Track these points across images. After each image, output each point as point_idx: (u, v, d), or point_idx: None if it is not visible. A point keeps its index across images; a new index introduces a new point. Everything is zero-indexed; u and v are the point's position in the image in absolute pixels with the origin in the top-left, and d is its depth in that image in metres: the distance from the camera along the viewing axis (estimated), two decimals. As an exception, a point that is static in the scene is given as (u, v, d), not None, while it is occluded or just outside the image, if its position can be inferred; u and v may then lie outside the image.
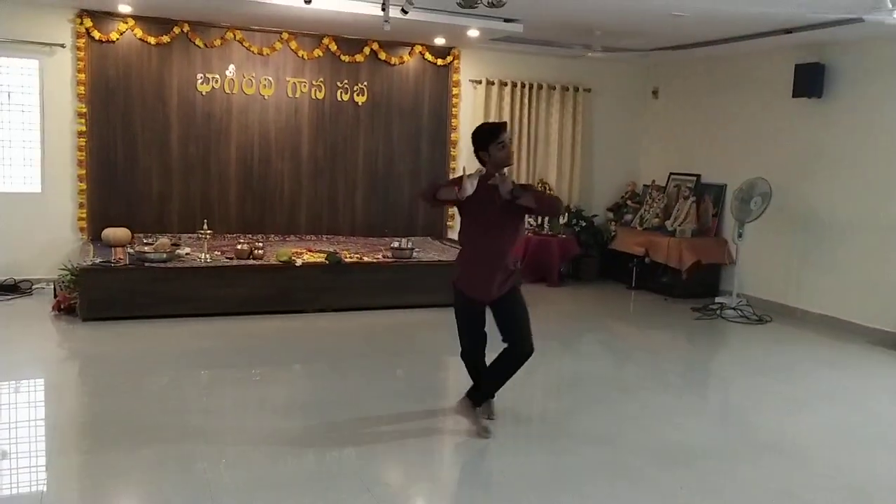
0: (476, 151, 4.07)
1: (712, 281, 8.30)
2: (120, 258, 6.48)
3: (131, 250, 6.60)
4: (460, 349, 4.21)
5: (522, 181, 9.00)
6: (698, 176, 8.79)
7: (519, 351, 4.03)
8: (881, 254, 6.74)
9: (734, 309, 7.40)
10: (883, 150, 6.73)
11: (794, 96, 7.38)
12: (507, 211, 3.88)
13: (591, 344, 6.75)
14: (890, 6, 4.97)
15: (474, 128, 4.18)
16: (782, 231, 7.64)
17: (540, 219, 8.76)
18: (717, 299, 7.70)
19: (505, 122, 4.12)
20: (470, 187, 3.75)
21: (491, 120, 8.74)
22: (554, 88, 9.07)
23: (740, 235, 7.56)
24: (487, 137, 4.00)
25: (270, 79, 7.94)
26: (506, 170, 3.96)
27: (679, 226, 8.38)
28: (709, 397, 5.37)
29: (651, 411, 4.72)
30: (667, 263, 8.13)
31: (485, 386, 4.19)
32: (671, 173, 9.17)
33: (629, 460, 3.92)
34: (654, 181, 9.31)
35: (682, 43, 8.08)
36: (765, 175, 7.47)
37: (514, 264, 4.07)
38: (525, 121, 8.96)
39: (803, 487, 3.68)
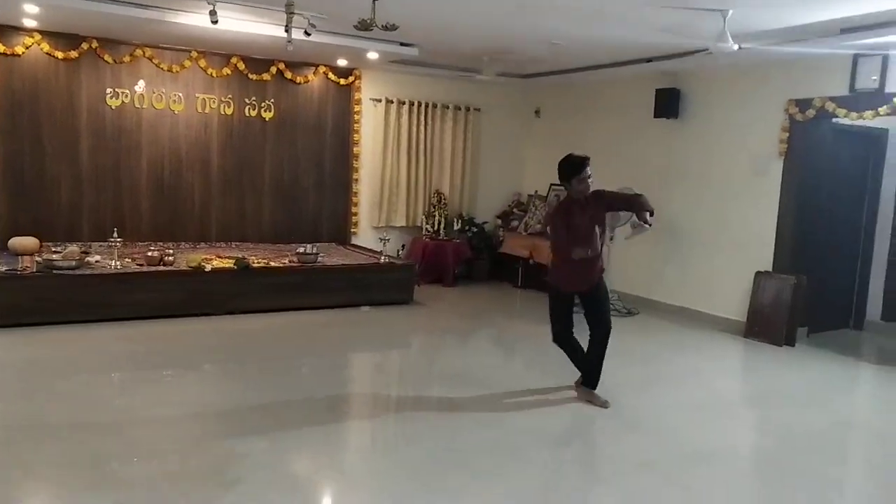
0: (560, 180, 4.52)
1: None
2: (27, 266, 6.10)
3: (39, 259, 6.22)
4: (552, 335, 4.76)
5: (419, 192, 9.08)
6: (575, 186, 9.08)
7: (605, 329, 4.64)
8: (724, 253, 7.17)
9: (607, 304, 7.69)
10: (727, 164, 7.18)
11: (655, 117, 7.76)
12: (592, 223, 4.47)
13: (482, 339, 6.87)
14: (730, 39, 5.31)
15: (562, 158, 4.54)
16: (647, 234, 8.00)
17: (436, 225, 8.87)
18: (593, 295, 7.98)
19: (588, 158, 4.45)
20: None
21: (391, 135, 8.79)
22: (447, 107, 9.19)
23: (611, 238, 7.87)
24: (570, 171, 4.43)
25: (180, 95, 7.68)
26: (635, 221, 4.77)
27: (559, 231, 8.63)
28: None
29: (530, 397, 4.86)
30: (548, 265, 8.35)
31: (594, 372, 4.72)
32: (552, 184, 9.43)
33: (515, 440, 4.02)
34: (536, 191, 9.57)
35: (560, 69, 8.36)
36: (632, 185, 7.81)
37: (601, 262, 4.66)
38: (421, 137, 9.03)
39: (659, 458, 3.89)
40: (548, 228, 4.87)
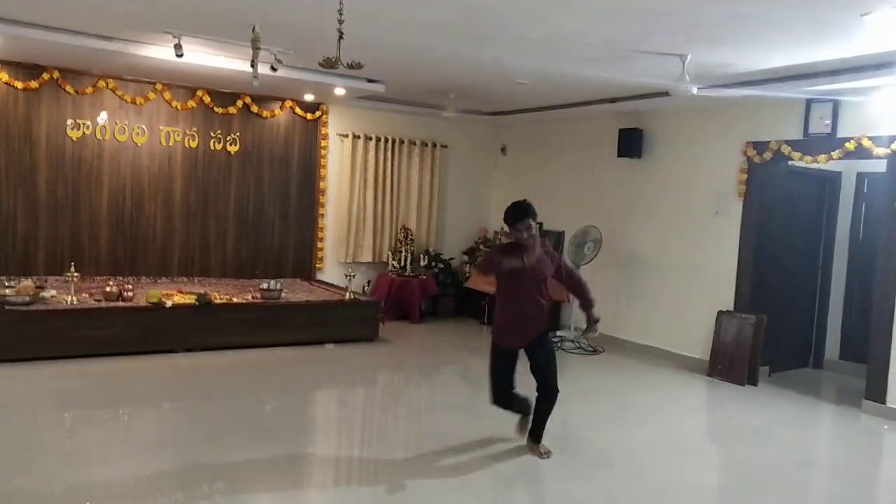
0: (506, 223, 4.28)
1: (554, 317, 8.65)
2: (-22, 301, 5.92)
3: (-9, 293, 6.04)
4: (491, 396, 4.44)
5: (386, 227, 9.08)
6: (541, 224, 9.13)
7: (550, 394, 4.39)
8: (687, 292, 7.29)
9: (572, 341, 7.74)
10: (689, 204, 7.33)
11: (618, 156, 7.91)
12: (536, 274, 4.20)
13: (449, 374, 6.83)
14: (689, 83, 5.47)
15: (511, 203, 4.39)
16: (611, 272, 8.10)
17: (402, 261, 8.87)
18: (558, 333, 8.03)
19: (532, 214, 4.27)
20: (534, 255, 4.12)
21: (357, 171, 8.80)
22: (414, 143, 9.26)
23: (569, 300, 7.93)
24: (514, 216, 4.25)
25: (144, 127, 7.62)
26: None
27: (525, 267, 8.68)
28: (549, 420, 5.55)
29: (496, 436, 4.82)
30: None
31: (538, 429, 4.44)
32: (518, 221, 9.52)
33: (477, 481, 3.98)
34: (503, 227, 9.56)
35: (526, 107, 8.51)
36: (596, 223, 7.93)
37: (543, 318, 4.35)
38: (388, 172, 9.07)
39: (624, 498, 3.88)
40: (485, 269, 4.41)
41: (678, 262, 7.41)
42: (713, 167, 7.11)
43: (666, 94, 6.47)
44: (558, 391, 4.37)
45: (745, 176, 6.76)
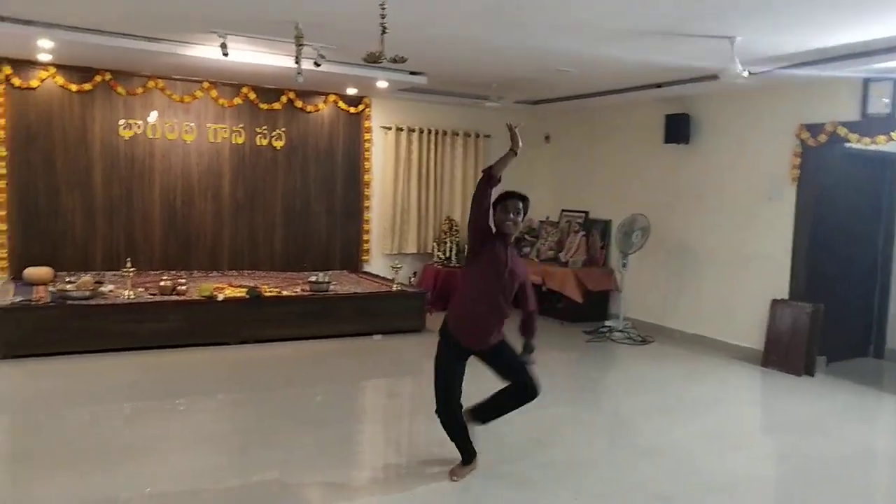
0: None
1: (602, 306, 8.57)
2: (41, 296, 6.15)
3: (53, 289, 6.28)
4: (438, 403, 3.76)
5: (430, 219, 9.10)
6: (587, 212, 9.10)
7: (531, 388, 3.81)
8: (739, 280, 7.12)
9: (621, 331, 7.65)
10: (740, 189, 7.16)
11: (665, 142, 7.76)
12: (512, 272, 3.70)
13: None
14: (739, 66, 5.33)
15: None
16: (660, 261, 7.98)
17: (447, 252, 8.89)
18: (606, 323, 7.95)
19: (522, 197, 3.82)
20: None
21: (401, 163, 8.84)
22: (457, 134, 9.24)
23: (624, 265, 7.85)
24: (496, 202, 3.74)
25: (192, 125, 7.78)
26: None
27: (571, 257, 8.63)
28: (598, 412, 5.51)
29: (546, 425, 4.81)
30: (561, 291, 8.34)
31: (467, 447, 3.85)
32: (563, 210, 9.46)
33: (525, 471, 3.98)
34: (548, 217, 9.58)
35: (569, 94, 8.41)
36: (644, 211, 7.81)
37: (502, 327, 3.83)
38: (431, 164, 9.08)
39: (675, 488, 3.83)
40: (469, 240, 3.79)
41: (729, 249, 7.24)
42: (764, 152, 6.92)
43: (714, 77, 6.31)
44: (539, 391, 3.81)
45: (799, 160, 6.56)
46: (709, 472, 4.11)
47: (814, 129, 6.42)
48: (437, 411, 3.78)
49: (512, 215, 3.69)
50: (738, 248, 7.14)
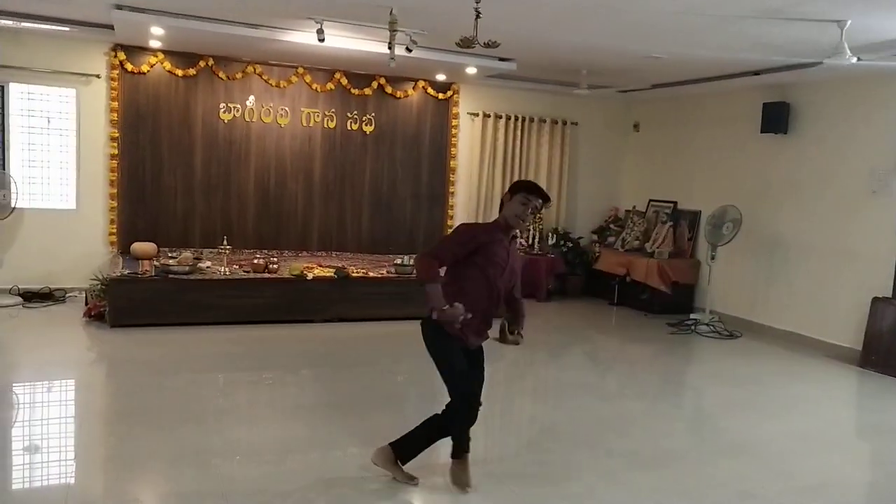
0: (506, 193, 3.46)
1: (687, 299, 8.33)
2: (146, 270, 6.52)
3: (157, 263, 6.64)
4: (462, 394, 3.44)
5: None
6: (675, 203, 8.85)
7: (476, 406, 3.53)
8: (837, 276, 6.78)
9: (707, 325, 7.43)
10: (841, 181, 6.80)
11: (762, 132, 7.45)
12: (513, 272, 3.47)
13: (576, 355, 6.77)
14: (848, 51, 5.04)
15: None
16: (750, 254, 7.69)
17: (530, 239, 8.84)
18: (692, 316, 7.73)
19: (546, 199, 3.40)
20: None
21: (487, 149, 8.84)
22: (544, 121, 9.15)
23: (713, 257, 7.60)
24: (519, 189, 3.38)
25: (286, 109, 8.02)
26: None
27: (657, 248, 8.43)
28: (681, 405, 5.38)
29: (628, 417, 4.75)
30: (646, 282, 8.16)
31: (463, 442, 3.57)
32: (650, 200, 9.23)
33: (607, 462, 3.94)
34: (634, 207, 9.37)
35: (660, 82, 8.17)
36: (735, 203, 7.53)
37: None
38: (517, 150, 9.04)
39: (763, 488, 3.70)
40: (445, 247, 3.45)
41: (826, 243, 6.89)
42: (869, 142, 6.53)
43: (817, 64, 6.00)
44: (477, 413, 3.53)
45: (909, 151, 6.17)
46: (797, 472, 3.95)
47: (927, 118, 6.01)
48: (457, 404, 3.43)
49: (529, 212, 3.35)
50: (837, 243, 6.79)
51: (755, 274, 7.65)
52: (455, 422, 3.49)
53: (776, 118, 7.27)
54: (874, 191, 6.48)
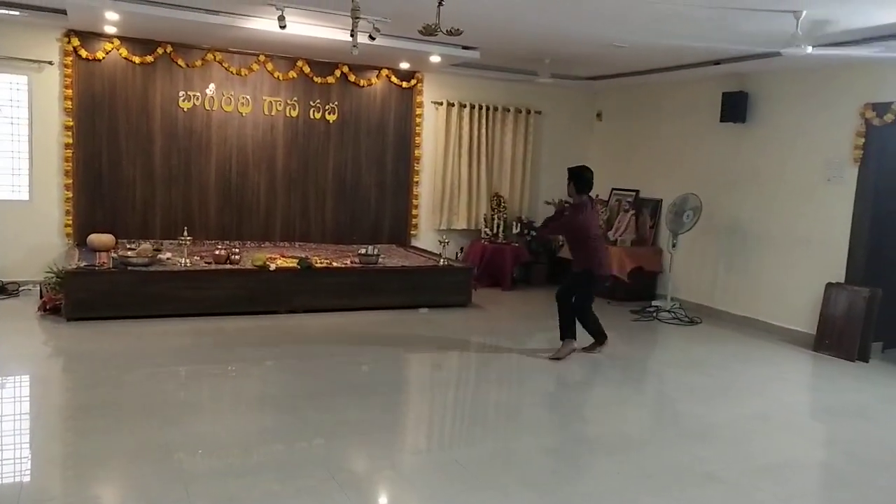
0: (581, 189, 5.68)
1: (649, 286, 8.44)
2: (104, 262, 6.36)
3: (115, 255, 6.47)
4: (583, 308, 5.82)
5: (481, 195, 9.07)
6: (637, 191, 8.94)
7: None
8: (793, 263, 6.92)
9: (668, 311, 7.53)
10: (797, 170, 6.93)
11: (721, 121, 7.55)
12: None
13: (540, 342, 6.80)
14: (804, 42, 5.12)
15: (582, 167, 5.85)
16: (710, 241, 7.81)
17: (495, 228, 8.85)
18: (654, 303, 7.84)
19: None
20: None
21: (451, 138, 8.81)
22: (508, 110, 9.15)
23: (674, 245, 7.70)
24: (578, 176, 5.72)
25: (248, 97, 7.88)
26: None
27: (620, 236, 8.51)
28: (644, 391, 5.45)
29: (591, 403, 4.79)
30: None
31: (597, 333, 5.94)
32: (613, 188, 9.30)
33: (571, 447, 3.97)
34: (597, 195, 9.39)
35: (622, 71, 8.22)
36: (696, 191, 7.63)
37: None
38: (482, 139, 9.02)
39: (723, 469, 3.77)
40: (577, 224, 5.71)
41: (783, 231, 7.03)
42: (825, 131, 6.66)
43: (775, 54, 6.09)
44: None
45: (863, 140, 6.30)
46: (757, 453, 4.03)
47: (880, 108, 6.15)
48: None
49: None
50: (794, 231, 6.93)
51: (715, 261, 7.78)
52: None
53: (735, 107, 7.37)
54: (829, 179, 6.62)
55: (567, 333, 5.75)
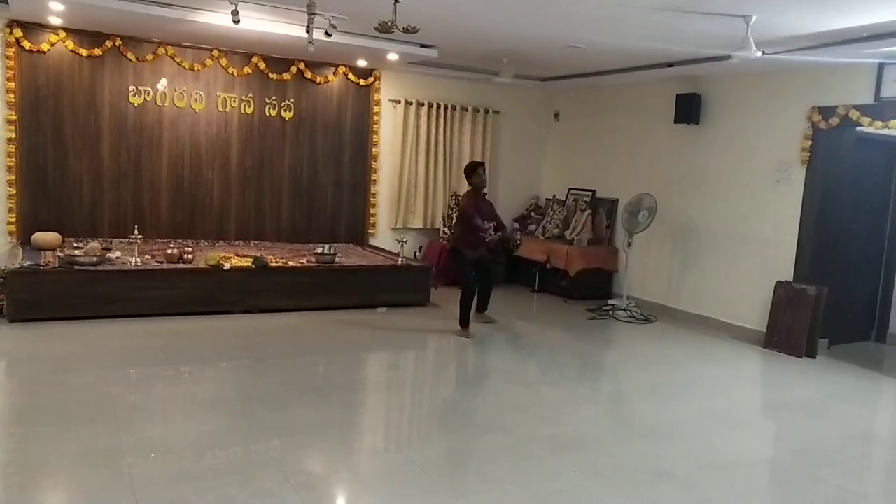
0: (467, 177, 6.59)
1: (606, 285, 8.57)
2: (49, 261, 6.17)
3: (61, 254, 6.29)
4: (467, 284, 6.51)
5: (438, 194, 9.08)
6: (594, 191, 9.06)
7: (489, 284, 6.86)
8: (744, 262, 7.11)
9: (624, 310, 7.65)
10: (748, 171, 7.11)
11: (675, 122, 7.70)
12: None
13: (497, 341, 6.84)
14: (753, 46, 5.26)
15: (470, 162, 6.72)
16: (665, 241, 7.96)
17: (452, 228, 8.86)
18: (610, 301, 7.96)
19: (483, 162, 7.00)
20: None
21: (409, 137, 8.81)
22: (466, 110, 9.18)
23: (629, 244, 7.83)
24: (471, 170, 6.57)
25: (201, 93, 7.74)
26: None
27: (577, 235, 8.61)
28: (599, 389, 5.53)
29: (548, 402, 4.84)
30: (565, 269, 8.34)
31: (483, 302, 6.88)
32: (570, 188, 9.41)
33: (527, 446, 4.00)
34: (555, 195, 9.54)
35: (580, 72, 8.32)
36: (651, 191, 7.77)
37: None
38: (440, 139, 9.03)
39: (676, 467, 3.85)
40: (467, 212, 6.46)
41: (735, 231, 7.22)
42: (775, 134, 6.86)
43: (726, 57, 6.23)
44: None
45: (810, 143, 6.51)
46: (709, 451, 4.13)
47: (826, 111, 6.35)
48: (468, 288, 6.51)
49: (483, 177, 6.62)
50: (744, 231, 7.11)
51: (669, 260, 7.93)
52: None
53: (688, 109, 7.53)
54: (778, 180, 6.81)
55: (464, 322, 6.52)
